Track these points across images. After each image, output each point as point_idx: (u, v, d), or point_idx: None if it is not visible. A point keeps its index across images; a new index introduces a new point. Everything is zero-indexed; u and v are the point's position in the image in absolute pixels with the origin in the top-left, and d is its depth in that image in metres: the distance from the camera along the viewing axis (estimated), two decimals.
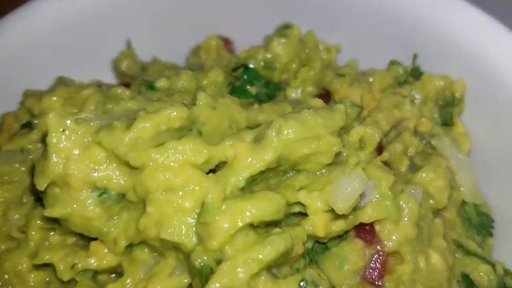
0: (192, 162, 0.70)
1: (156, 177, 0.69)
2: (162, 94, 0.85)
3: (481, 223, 0.88)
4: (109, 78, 1.14)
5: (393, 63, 0.94)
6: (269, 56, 0.94)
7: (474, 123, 0.92)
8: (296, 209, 0.74)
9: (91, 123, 0.73)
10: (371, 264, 0.76)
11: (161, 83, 0.88)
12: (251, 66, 0.94)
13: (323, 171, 0.76)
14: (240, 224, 0.66)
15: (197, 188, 0.69)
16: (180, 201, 0.69)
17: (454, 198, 0.85)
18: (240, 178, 0.70)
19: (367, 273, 0.76)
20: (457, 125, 0.92)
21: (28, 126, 0.88)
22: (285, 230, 0.70)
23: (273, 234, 0.68)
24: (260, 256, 0.66)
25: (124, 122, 0.72)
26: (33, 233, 0.78)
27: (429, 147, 0.90)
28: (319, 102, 0.78)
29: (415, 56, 0.95)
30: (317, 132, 0.73)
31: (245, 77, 0.93)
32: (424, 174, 0.81)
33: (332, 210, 0.72)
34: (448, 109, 0.92)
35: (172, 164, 0.70)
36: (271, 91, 0.95)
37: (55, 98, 0.86)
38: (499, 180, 0.88)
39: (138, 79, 1.00)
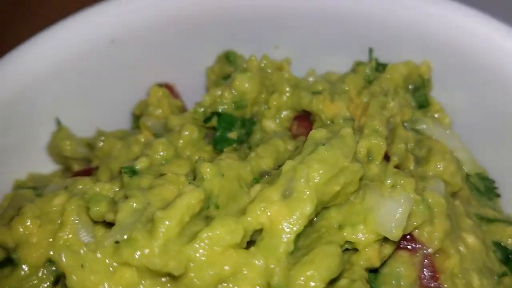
0: (231, 244, 0.64)
1: (203, 275, 0.63)
2: (150, 177, 0.75)
3: (487, 188, 0.91)
4: (45, 166, 1.01)
5: (358, 64, 0.92)
6: (236, 94, 0.88)
7: (447, 98, 0.94)
8: (344, 247, 0.71)
9: (105, 242, 0.63)
10: (424, 270, 0.76)
11: (142, 164, 0.78)
12: (223, 111, 0.87)
13: (350, 198, 0.73)
14: None
15: (249, 270, 0.63)
16: None
17: (461, 175, 0.87)
18: (286, 240, 0.65)
19: (423, 280, 0.75)
20: (432, 103, 0.94)
21: (8, 263, 0.74)
22: (348, 276, 0.67)
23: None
24: None
25: (142, 231, 0.63)
26: None
27: (415, 133, 0.91)
28: (323, 132, 0.74)
29: (371, 50, 0.95)
30: (340, 165, 0.70)
31: (223, 124, 0.86)
32: (436, 165, 0.82)
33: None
34: (421, 91, 0.93)
35: (213, 254, 0.63)
36: (248, 128, 0.89)
37: (29, 222, 0.74)
38: (487, 143, 0.91)
39: (99, 163, 0.89)
